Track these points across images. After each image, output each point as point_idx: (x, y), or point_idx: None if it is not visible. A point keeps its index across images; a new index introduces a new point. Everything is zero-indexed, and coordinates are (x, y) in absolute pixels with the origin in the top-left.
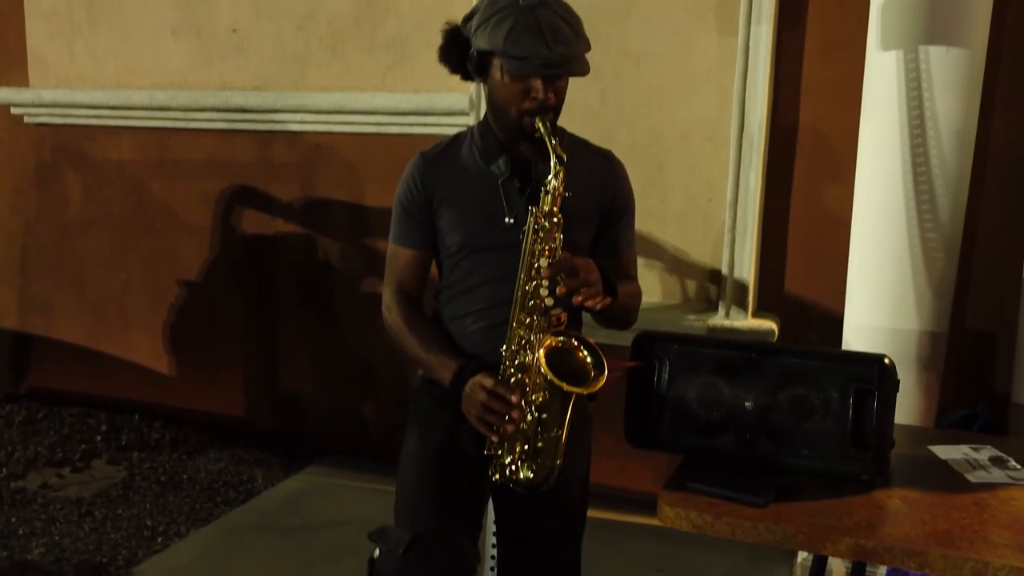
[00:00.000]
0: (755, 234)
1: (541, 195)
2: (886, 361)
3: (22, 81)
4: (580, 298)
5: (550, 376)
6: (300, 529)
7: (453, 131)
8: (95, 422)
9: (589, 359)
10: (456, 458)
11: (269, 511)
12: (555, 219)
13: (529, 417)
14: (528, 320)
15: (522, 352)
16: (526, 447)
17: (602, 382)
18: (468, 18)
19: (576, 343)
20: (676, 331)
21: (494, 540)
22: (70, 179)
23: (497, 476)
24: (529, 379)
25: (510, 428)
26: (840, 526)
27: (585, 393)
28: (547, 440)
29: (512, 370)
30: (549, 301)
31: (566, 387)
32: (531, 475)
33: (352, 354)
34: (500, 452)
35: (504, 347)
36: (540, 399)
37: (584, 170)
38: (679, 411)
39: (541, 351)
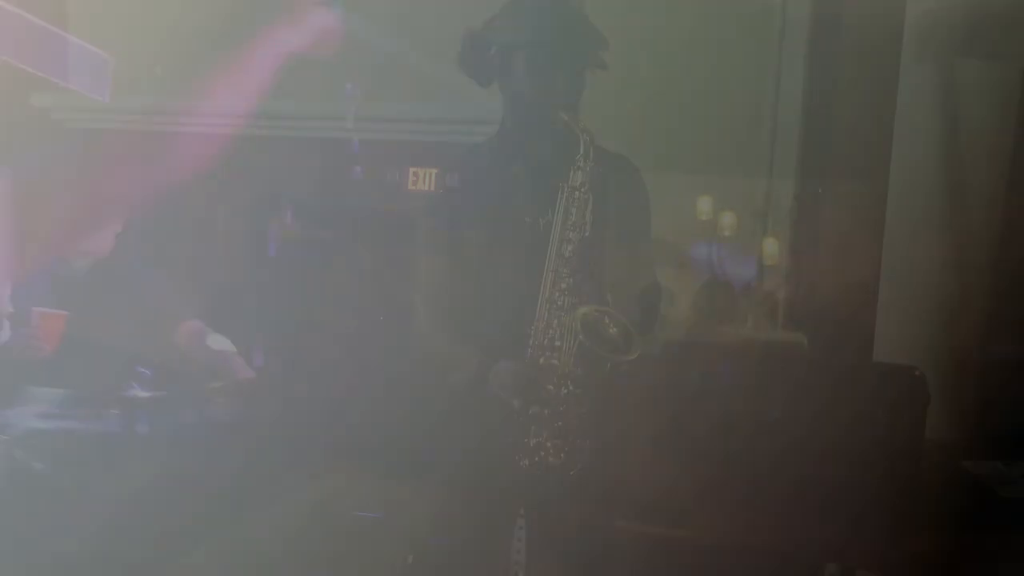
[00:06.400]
0: (785, 245)
1: (571, 172)
2: (916, 373)
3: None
4: None
5: (588, 343)
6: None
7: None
8: None
9: (619, 334)
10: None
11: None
12: (585, 197)
13: (563, 391)
14: (557, 299)
15: (551, 329)
16: (557, 424)
17: (635, 354)
18: (487, 23)
19: (607, 318)
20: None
21: (520, 549)
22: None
23: (527, 462)
24: (559, 359)
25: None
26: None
27: (620, 361)
28: (578, 417)
29: (540, 348)
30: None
31: (602, 353)
32: (561, 458)
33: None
34: (527, 438)
35: (533, 325)
36: (570, 373)
37: (601, 173)
38: None
39: (579, 320)
